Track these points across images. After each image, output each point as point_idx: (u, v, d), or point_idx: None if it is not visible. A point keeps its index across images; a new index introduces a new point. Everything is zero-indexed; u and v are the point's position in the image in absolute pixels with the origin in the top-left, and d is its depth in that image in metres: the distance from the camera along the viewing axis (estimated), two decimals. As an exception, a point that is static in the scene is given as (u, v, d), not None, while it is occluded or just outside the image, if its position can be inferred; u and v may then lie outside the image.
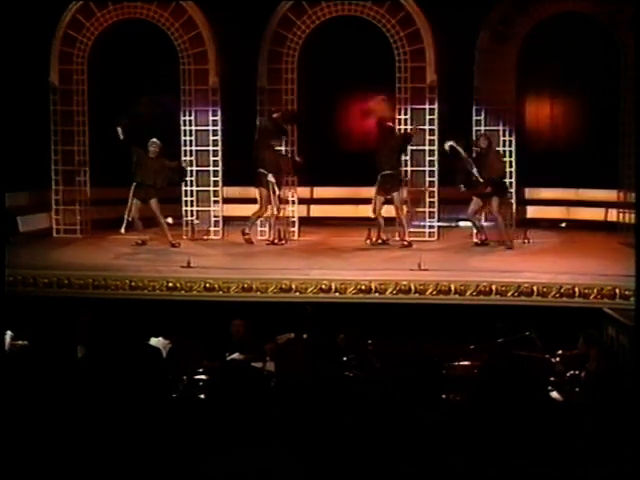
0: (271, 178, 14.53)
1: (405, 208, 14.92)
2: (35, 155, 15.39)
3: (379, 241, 14.74)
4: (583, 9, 14.78)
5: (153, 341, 10.43)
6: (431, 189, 15.31)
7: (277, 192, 14.62)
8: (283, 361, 10.07)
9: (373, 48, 15.71)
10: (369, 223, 14.96)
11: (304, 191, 16.18)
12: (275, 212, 14.80)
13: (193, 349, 10.50)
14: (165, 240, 14.65)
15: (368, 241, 14.72)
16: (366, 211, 15.16)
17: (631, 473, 4.78)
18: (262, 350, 10.57)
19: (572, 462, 4.82)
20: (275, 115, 14.72)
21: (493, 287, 12.11)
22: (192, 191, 15.63)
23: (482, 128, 15.07)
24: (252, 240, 14.64)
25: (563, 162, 16.14)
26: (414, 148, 15.11)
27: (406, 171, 15.24)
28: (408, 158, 15.22)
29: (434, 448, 4.91)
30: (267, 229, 15.17)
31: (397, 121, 15.06)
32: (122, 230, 14.45)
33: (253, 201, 15.56)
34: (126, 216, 14.48)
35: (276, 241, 14.75)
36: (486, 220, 14.86)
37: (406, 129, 14.88)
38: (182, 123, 15.48)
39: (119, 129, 14.32)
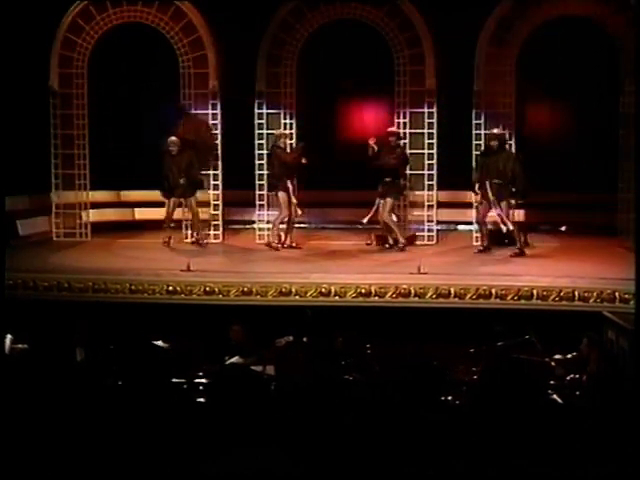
0: (289, 184, 14.51)
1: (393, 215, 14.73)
2: (35, 159, 15.40)
3: (377, 243, 14.69)
4: (582, 12, 14.79)
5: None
6: (430, 193, 15.32)
7: (294, 199, 14.60)
8: (283, 364, 10.06)
9: (372, 52, 15.73)
10: (370, 227, 14.95)
11: (304, 195, 16.16)
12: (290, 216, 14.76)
13: (193, 352, 10.49)
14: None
15: (369, 244, 14.72)
16: (367, 215, 15.16)
17: (631, 473, 4.78)
18: (262, 354, 10.57)
19: (572, 462, 4.82)
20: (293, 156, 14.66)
21: (493, 291, 12.11)
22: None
23: (482, 132, 15.08)
24: (278, 247, 14.61)
25: (563, 165, 16.14)
26: (413, 152, 15.11)
27: (405, 175, 15.29)
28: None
29: (434, 449, 4.92)
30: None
31: (396, 125, 15.05)
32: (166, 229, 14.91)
33: (252, 204, 15.58)
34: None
35: (285, 245, 14.68)
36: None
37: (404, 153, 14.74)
38: (182, 127, 15.48)
39: None
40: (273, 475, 4.63)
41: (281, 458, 4.69)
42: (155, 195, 15.32)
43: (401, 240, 14.50)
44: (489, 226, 14.51)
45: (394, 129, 14.76)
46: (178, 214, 15.48)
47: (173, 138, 14.75)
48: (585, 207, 16.08)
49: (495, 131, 14.54)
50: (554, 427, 5.30)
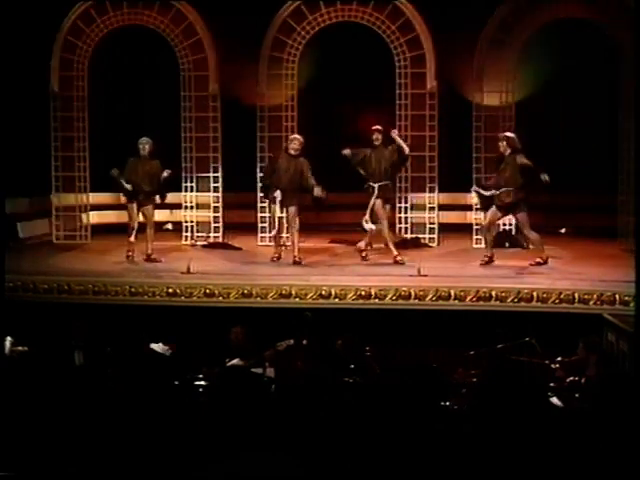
0: (277, 194, 14.09)
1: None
2: (35, 161, 15.41)
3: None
4: (582, 15, 14.80)
5: (153, 347, 10.46)
6: (431, 194, 15.33)
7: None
8: (283, 367, 10.06)
9: (373, 54, 15.73)
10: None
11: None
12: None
13: (193, 355, 10.48)
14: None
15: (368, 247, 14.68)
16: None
17: (631, 473, 4.79)
18: (262, 356, 10.55)
19: (572, 463, 4.83)
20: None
21: (493, 293, 12.11)
22: (192, 197, 15.66)
23: (482, 134, 15.08)
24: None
25: (562, 167, 16.12)
26: (414, 154, 15.11)
27: (406, 177, 15.31)
28: (409, 164, 15.24)
29: (434, 450, 4.92)
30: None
31: (397, 127, 15.02)
32: (131, 239, 13.79)
33: (253, 207, 15.58)
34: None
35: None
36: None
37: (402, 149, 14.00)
38: (182, 130, 15.50)
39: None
40: (273, 477, 4.63)
41: (282, 460, 4.70)
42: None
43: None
44: (494, 233, 13.95)
45: (378, 127, 14.02)
46: (178, 216, 15.46)
47: (145, 138, 13.87)
48: (585, 209, 16.08)
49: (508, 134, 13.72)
50: (554, 428, 5.30)
